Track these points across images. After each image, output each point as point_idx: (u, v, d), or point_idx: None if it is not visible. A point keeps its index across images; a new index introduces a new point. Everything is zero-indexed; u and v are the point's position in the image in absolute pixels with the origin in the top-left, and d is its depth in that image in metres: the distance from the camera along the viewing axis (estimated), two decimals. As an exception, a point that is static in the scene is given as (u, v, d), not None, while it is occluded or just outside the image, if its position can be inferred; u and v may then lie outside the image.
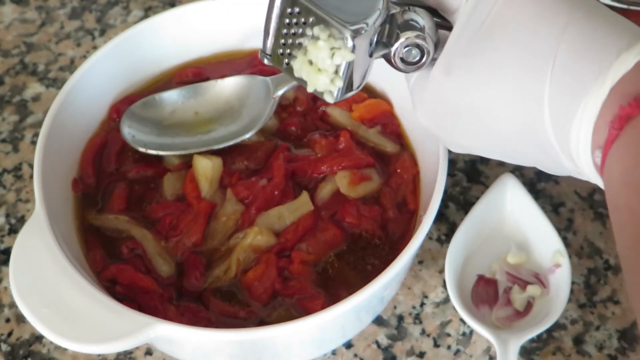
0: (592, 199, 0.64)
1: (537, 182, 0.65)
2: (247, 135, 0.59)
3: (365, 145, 0.60)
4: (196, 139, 0.60)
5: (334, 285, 0.53)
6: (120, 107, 0.61)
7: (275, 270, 0.52)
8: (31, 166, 0.68)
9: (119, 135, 0.59)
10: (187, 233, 0.54)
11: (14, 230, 0.64)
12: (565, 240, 0.60)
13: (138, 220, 0.56)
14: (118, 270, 0.53)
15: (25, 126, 0.71)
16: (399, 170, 0.58)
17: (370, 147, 0.60)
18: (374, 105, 0.62)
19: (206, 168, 0.56)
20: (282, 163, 0.57)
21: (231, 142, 0.59)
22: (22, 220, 0.64)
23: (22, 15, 0.82)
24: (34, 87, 0.75)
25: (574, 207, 0.63)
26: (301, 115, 0.62)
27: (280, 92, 0.59)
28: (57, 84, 0.75)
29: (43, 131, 0.54)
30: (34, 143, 0.70)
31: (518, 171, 0.65)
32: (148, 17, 0.80)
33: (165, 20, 0.63)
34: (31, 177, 0.67)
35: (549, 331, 0.56)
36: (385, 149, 0.60)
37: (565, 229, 0.62)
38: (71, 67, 0.76)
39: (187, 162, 0.58)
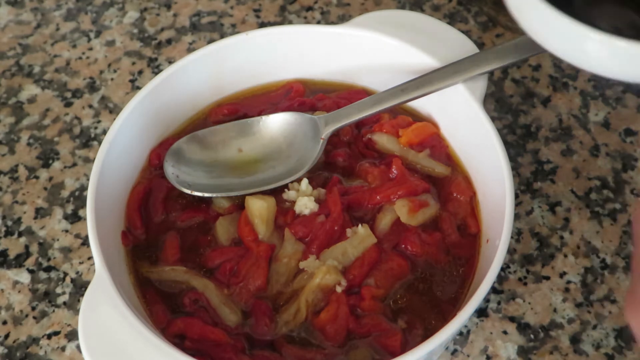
0: (588, 198, 0.64)
1: (533, 182, 0.65)
2: (296, 177, 0.57)
3: (416, 170, 0.58)
4: (242, 180, 0.58)
5: (406, 317, 0.52)
6: (160, 152, 0.59)
7: (347, 308, 0.51)
8: (27, 168, 0.68)
9: (163, 182, 0.57)
10: (250, 278, 0.52)
11: (10, 233, 0.64)
12: (562, 240, 0.61)
13: (196, 270, 0.54)
14: (186, 324, 0.51)
15: (22, 128, 0.71)
16: (455, 194, 0.57)
17: (421, 171, 0.59)
18: (422, 128, 0.60)
19: (261, 209, 0.54)
20: (338, 197, 0.55)
21: (280, 183, 0.56)
22: (18, 222, 0.64)
23: (18, 16, 0.82)
24: (30, 89, 0.75)
25: (570, 206, 0.64)
26: (346, 145, 0.60)
27: (329, 132, 0.57)
28: (52, 85, 0.75)
29: (90, 191, 0.52)
30: (30, 145, 0.70)
31: (515, 170, 0.65)
32: (144, 18, 0.80)
33: (198, 59, 0.60)
34: (27, 178, 0.67)
35: (546, 330, 0.56)
36: (437, 172, 0.59)
37: (561, 228, 0.62)
38: (67, 68, 0.76)
39: (237, 204, 0.56)
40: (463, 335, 0.57)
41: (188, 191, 0.56)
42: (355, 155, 0.59)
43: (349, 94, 0.63)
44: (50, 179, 0.67)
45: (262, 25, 0.79)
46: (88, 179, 0.56)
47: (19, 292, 0.60)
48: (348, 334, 0.50)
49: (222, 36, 0.78)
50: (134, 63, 0.76)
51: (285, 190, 0.56)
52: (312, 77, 0.65)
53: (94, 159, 0.54)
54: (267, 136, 0.59)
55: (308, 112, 0.60)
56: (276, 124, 0.59)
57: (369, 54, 0.62)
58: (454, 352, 0.56)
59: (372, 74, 0.63)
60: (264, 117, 0.59)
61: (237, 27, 0.79)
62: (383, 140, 0.59)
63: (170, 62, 0.76)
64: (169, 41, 0.78)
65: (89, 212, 0.51)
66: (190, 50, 0.77)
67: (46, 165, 0.68)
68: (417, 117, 0.62)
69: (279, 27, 0.62)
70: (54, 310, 0.59)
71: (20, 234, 0.64)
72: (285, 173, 0.57)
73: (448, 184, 0.58)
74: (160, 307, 0.52)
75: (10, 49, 0.78)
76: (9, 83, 0.75)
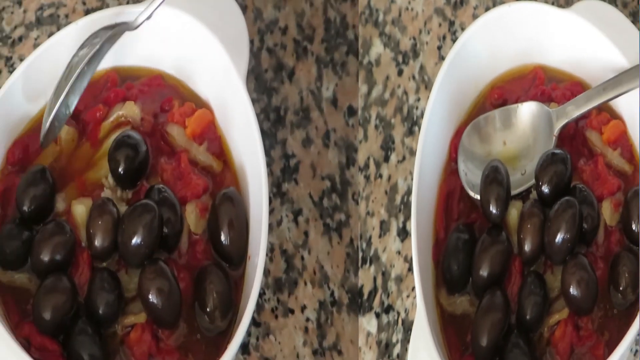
0: (322, 205, 0.62)
1: (282, 182, 0.62)
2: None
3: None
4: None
5: None
6: (15, 151, 0.57)
7: None
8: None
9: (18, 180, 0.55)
10: None
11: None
12: (302, 261, 0.60)
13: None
14: (31, 330, 0.49)
15: None
16: None
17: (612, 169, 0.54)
18: (200, 117, 0.57)
19: None
20: None
21: (525, 187, 0.53)
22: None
23: None
24: None
25: (308, 215, 0.62)
26: None
27: (559, 128, 0.53)
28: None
29: None
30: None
31: (269, 168, 0.62)
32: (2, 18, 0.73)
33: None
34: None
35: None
36: (211, 166, 0.56)
37: (302, 245, 0.61)
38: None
39: None
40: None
41: (472, 193, 0.53)
42: None
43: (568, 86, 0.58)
44: None
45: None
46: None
47: None
48: None
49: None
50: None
51: None
52: (550, 64, 0.59)
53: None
54: (521, 128, 0.55)
55: (545, 103, 0.56)
56: (526, 114, 0.55)
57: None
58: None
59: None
60: (519, 105, 0.55)
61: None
62: None
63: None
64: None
65: None
66: (36, 46, 0.67)
67: None
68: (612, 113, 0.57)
69: (520, 3, 0.57)
70: None
71: None
72: (529, 176, 0.53)
73: (221, 180, 0.56)
74: (12, 305, 0.52)
75: None
76: None
